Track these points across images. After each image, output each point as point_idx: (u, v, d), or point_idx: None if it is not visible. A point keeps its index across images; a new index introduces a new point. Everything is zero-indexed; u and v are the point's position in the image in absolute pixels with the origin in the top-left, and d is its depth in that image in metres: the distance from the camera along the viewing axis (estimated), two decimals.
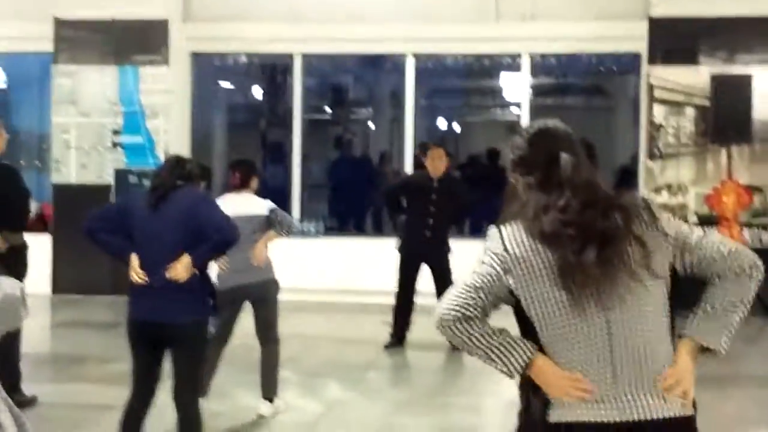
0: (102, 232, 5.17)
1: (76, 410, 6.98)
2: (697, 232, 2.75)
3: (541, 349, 2.72)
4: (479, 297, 2.69)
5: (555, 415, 2.72)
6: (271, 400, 6.83)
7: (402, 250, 9.30)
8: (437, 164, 9.17)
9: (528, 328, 2.73)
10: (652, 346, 2.67)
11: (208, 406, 6.77)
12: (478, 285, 2.71)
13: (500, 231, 2.75)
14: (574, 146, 2.77)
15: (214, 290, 5.30)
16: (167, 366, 5.24)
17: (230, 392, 7.27)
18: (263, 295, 6.85)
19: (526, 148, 2.79)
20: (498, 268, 2.70)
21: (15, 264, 6.38)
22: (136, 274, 5.07)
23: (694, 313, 2.73)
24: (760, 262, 2.72)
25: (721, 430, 6.62)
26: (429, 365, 8.82)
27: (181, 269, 4.98)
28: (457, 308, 2.69)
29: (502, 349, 2.70)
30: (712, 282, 2.71)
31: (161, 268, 5.00)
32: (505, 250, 2.70)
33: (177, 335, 5.05)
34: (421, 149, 11.26)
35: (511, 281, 2.69)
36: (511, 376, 2.74)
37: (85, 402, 7.15)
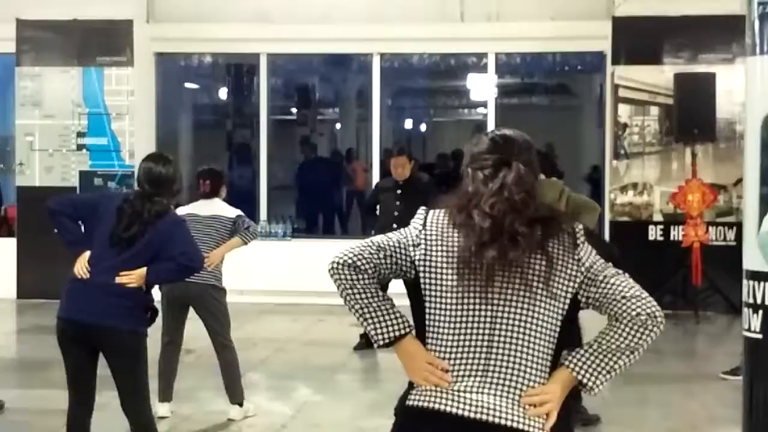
0: (65, 216, 5.04)
1: (43, 415, 6.90)
2: (611, 270, 2.73)
3: (420, 335, 2.76)
4: (379, 256, 2.76)
5: (412, 399, 2.78)
6: (240, 404, 6.80)
7: None
8: (399, 171, 9.27)
9: (418, 311, 2.77)
10: (529, 359, 2.68)
11: (177, 410, 6.77)
12: (383, 245, 2.78)
13: (427, 213, 2.86)
14: (530, 159, 2.84)
15: (155, 307, 5.10)
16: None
17: (199, 396, 7.23)
18: (201, 298, 6.65)
19: (485, 148, 2.86)
20: (410, 239, 2.79)
21: None
22: (82, 267, 4.89)
23: (582, 347, 2.73)
24: (660, 314, 2.67)
25: (687, 429, 6.67)
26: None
27: (135, 277, 4.86)
28: (353, 256, 2.77)
29: (378, 313, 2.77)
30: (610, 322, 2.71)
31: (112, 272, 4.84)
32: (424, 227, 2.82)
33: (109, 342, 4.86)
34: (387, 156, 11.26)
35: (417, 255, 2.76)
36: (377, 344, 2.80)
37: (53, 407, 7.06)
